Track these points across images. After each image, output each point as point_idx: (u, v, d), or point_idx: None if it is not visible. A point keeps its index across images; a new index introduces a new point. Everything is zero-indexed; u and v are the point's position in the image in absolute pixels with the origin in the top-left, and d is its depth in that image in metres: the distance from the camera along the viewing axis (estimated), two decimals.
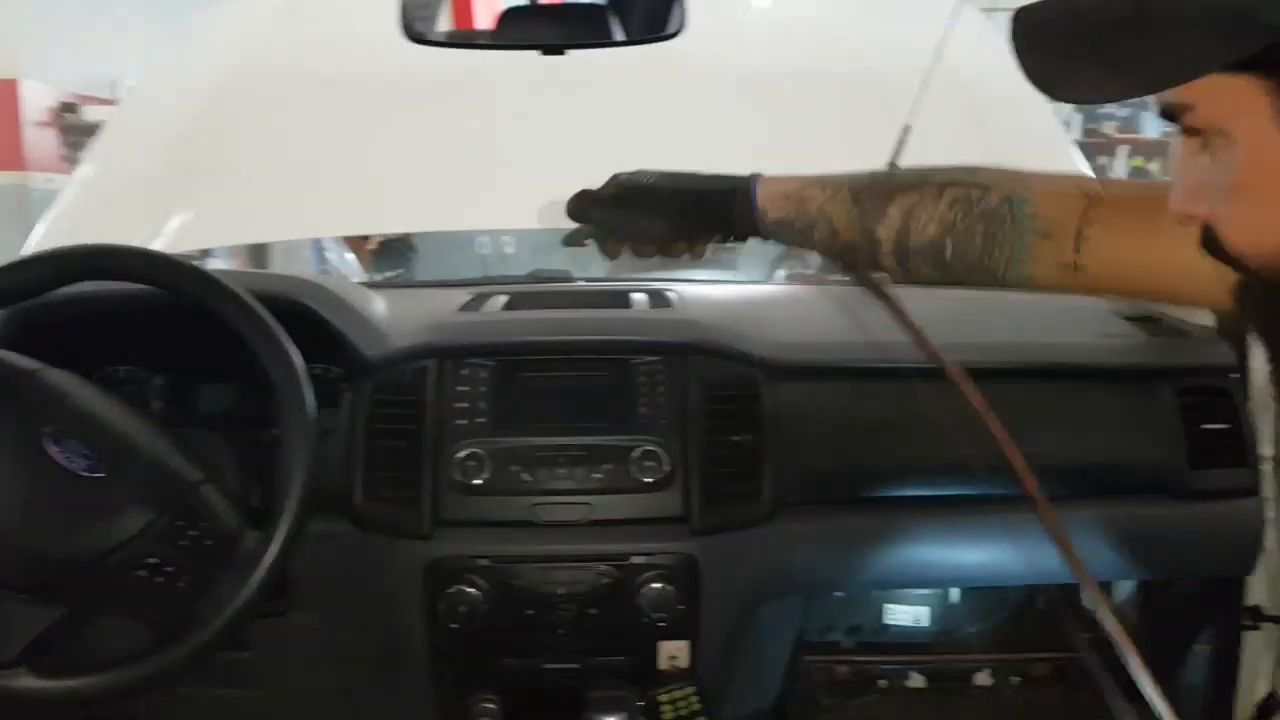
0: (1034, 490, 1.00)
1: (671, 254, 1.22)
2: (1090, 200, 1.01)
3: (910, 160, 1.81)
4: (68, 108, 5.81)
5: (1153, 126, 8.79)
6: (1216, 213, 0.71)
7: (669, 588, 1.35)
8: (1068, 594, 1.90)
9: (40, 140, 5.61)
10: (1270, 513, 1.50)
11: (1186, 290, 1.01)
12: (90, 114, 5.74)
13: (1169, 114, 0.70)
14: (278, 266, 3.04)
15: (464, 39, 2.15)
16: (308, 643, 1.48)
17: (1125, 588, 1.76)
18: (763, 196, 1.12)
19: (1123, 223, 1.00)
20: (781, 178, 1.12)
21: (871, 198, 1.06)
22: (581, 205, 1.25)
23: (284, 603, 1.36)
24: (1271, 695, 1.54)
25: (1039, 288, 1.04)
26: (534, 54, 1.77)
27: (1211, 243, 0.73)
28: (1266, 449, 1.51)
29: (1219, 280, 0.83)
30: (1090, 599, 1.84)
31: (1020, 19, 0.72)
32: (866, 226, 1.05)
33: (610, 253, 1.28)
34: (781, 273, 4.42)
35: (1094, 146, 7.94)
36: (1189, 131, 0.71)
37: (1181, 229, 0.80)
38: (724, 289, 1.92)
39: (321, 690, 1.52)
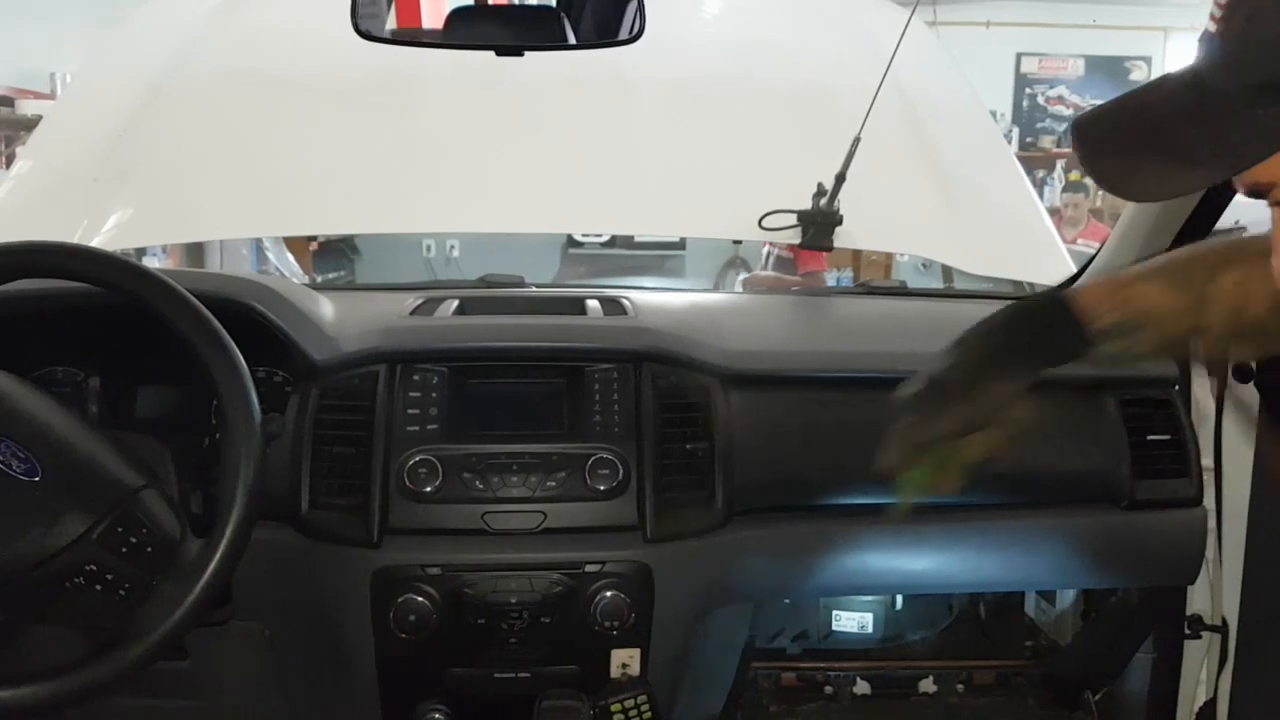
0: None
1: (1012, 426, 1.03)
2: None
3: (860, 171, 1.84)
4: (3, 101, 5.67)
5: None
6: None
7: (622, 596, 1.34)
8: (1010, 601, 1.92)
9: None
10: (1211, 523, 1.53)
11: None
12: (27, 108, 5.61)
13: (1255, 194, 0.70)
14: (215, 266, 2.99)
15: (414, 38, 2.13)
16: (250, 653, 1.45)
17: (1069, 596, 1.78)
18: (1084, 307, 0.98)
19: None
20: (1095, 282, 1.00)
21: (1192, 278, 0.96)
22: (899, 435, 1.04)
23: (226, 612, 1.32)
24: (1212, 703, 1.57)
25: None
26: (480, 56, 1.76)
27: None
28: (1206, 460, 1.54)
29: None
30: (1034, 607, 1.87)
31: (1081, 128, 0.73)
32: (1194, 320, 0.95)
33: (944, 478, 1.06)
34: (737, 281, 4.43)
35: (1031, 160, 8.09)
36: (1277, 205, 0.71)
37: None
38: (679, 297, 1.92)
39: (264, 702, 1.49)
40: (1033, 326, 1.01)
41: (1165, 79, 0.69)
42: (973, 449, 1.03)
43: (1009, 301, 1.98)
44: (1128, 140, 0.70)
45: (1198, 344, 0.95)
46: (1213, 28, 0.64)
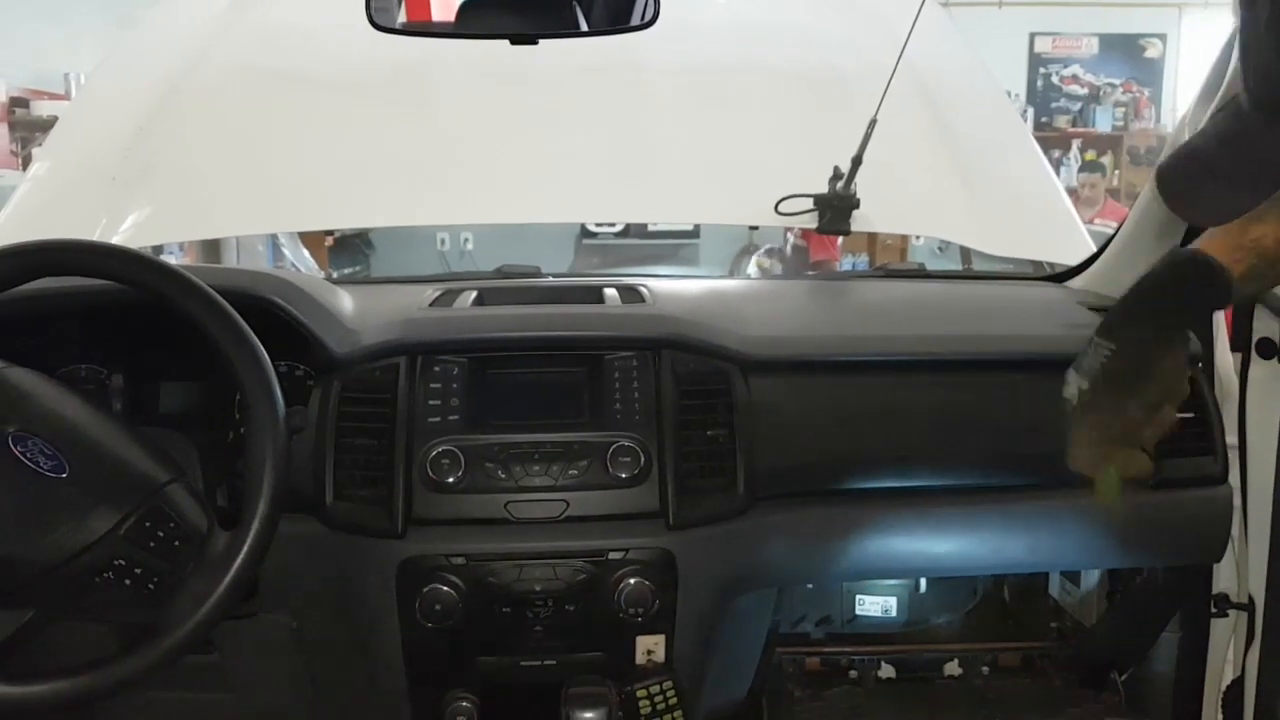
0: None
1: (1167, 386, 1.05)
2: None
3: (876, 154, 1.84)
4: (19, 103, 5.71)
5: (1104, 121, 8.94)
6: None
7: (645, 583, 1.34)
8: (1034, 583, 1.92)
9: None
10: (1236, 500, 1.52)
11: None
12: (42, 109, 5.64)
13: None
14: (231, 263, 3.01)
15: (427, 29, 2.13)
16: (277, 645, 1.46)
17: (1093, 577, 1.78)
18: (1217, 256, 0.98)
19: None
20: (1220, 230, 0.99)
21: None
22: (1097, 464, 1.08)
23: (253, 604, 1.34)
24: (1239, 681, 1.57)
25: None
26: (494, 47, 1.76)
27: None
28: (1231, 437, 1.53)
29: None
30: (1058, 588, 1.86)
31: (1163, 180, 0.86)
32: None
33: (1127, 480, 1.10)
34: (753, 268, 4.43)
35: (1048, 140, 8.05)
36: None
37: None
38: (696, 284, 1.92)
39: (292, 692, 1.50)
40: (1177, 291, 1.02)
41: (1213, 117, 0.80)
42: (1158, 426, 1.06)
43: (1026, 281, 1.99)
44: (1192, 178, 0.79)
45: None
46: (1239, 63, 0.72)
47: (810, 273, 3.64)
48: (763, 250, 5.39)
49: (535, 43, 1.69)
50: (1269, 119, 0.69)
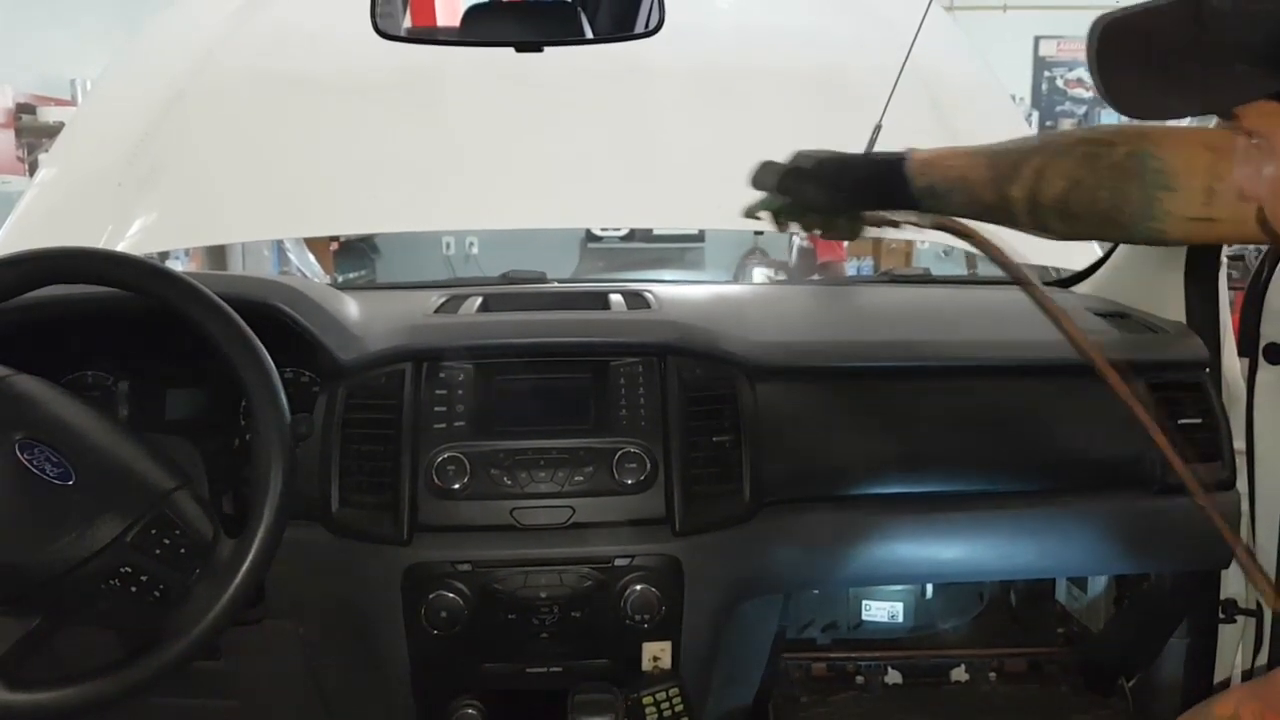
0: None
1: (834, 229, 1.29)
2: (1219, 153, 1.02)
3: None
4: (25, 109, 5.72)
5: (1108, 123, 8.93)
6: (1262, 197, 0.82)
7: (652, 589, 1.34)
8: (1041, 589, 1.91)
9: None
10: (1244, 506, 1.51)
11: None
12: (49, 115, 5.66)
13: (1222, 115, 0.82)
14: (237, 268, 3.01)
15: (432, 36, 2.13)
16: (283, 652, 1.46)
17: (1101, 582, 1.77)
18: (912, 167, 1.15)
19: (1255, 172, 1.04)
20: (929, 150, 1.17)
21: (1006, 160, 1.09)
22: (765, 174, 1.31)
23: (259, 611, 1.34)
24: None
25: (1170, 240, 1.06)
26: (500, 53, 1.76)
27: (1261, 219, 0.85)
28: (1239, 442, 1.53)
29: None
30: (1065, 594, 1.86)
31: (1101, 35, 0.83)
32: (1001, 186, 1.08)
33: (780, 226, 1.34)
34: (760, 273, 4.42)
35: None
36: (1238, 131, 0.82)
37: None
38: (701, 289, 1.92)
39: (298, 699, 1.50)
40: (879, 177, 1.20)
41: (1169, 8, 0.81)
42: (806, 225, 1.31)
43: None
44: (1133, 61, 0.81)
45: (1009, 212, 1.07)
46: None
47: (816, 277, 3.64)
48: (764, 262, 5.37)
49: (540, 50, 1.69)
50: (1236, 52, 0.75)
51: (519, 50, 1.69)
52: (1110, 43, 0.82)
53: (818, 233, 1.32)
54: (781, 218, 1.32)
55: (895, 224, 1.23)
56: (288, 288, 1.46)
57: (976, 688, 1.82)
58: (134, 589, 1.05)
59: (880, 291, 2.05)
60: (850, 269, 5.03)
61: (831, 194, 1.24)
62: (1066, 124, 8.93)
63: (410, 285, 1.97)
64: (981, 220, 1.14)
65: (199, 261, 3.63)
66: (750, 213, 1.36)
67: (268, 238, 3.11)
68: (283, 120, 2.19)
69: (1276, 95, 0.74)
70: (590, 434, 1.38)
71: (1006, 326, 1.65)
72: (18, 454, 1.01)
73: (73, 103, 5.77)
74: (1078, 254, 1.95)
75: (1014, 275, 1.14)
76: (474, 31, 1.80)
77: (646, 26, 1.69)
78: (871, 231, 1.29)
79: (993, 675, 1.83)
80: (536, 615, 1.35)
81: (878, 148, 1.80)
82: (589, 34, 1.78)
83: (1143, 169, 0.99)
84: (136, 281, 1.14)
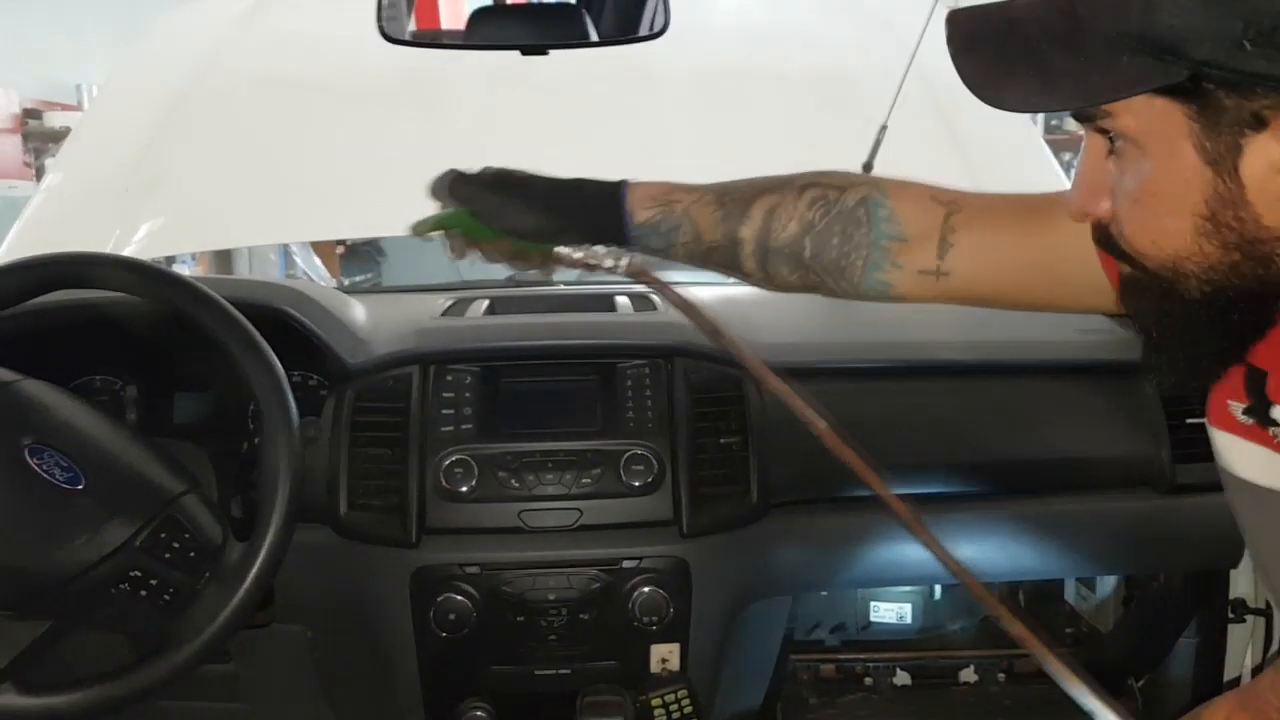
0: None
1: (524, 259, 1.09)
2: (951, 206, 1.00)
3: (885, 159, 1.83)
4: (31, 114, 5.74)
5: None
6: (1119, 212, 0.74)
7: (660, 591, 1.34)
8: (1050, 589, 1.91)
9: (3, 147, 5.53)
10: None
11: (1058, 294, 1.02)
12: (54, 120, 5.67)
13: (1082, 116, 0.74)
14: (243, 272, 3.02)
15: (437, 39, 2.13)
16: (292, 655, 1.46)
17: (1110, 583, 1.77)
18: (632, 199, 1.05)
19: (990, 228, 1.00)
20: (652, 182, 1.07)
21: (735, 199, 1.03)
22: (449, 185, 1.11)
23: (268, 614, 1.34)
24: None
25: (897, 296, 1.03)
26: (505, 56, 1.76)
27: (1106, 239, 0.77)
28: None
29: (1089, 284, 0.91)
30: (1074, 594, 1.86)
31: (957, 22, 0.74)
32: (729, 227, 1.02)
33: (457, 250, 1.13)
34: None
35: (1058, 143, 8.02)
36: (1099, 132, 0.73)
37: (1053, 235, 0.93)
38: (707, 291, 1.92)
39: (307, 702, 1.50)
40: (593, 205, 1.06)
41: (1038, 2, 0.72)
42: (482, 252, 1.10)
43: None
44: (1000, 49, 0.72)
45: (736, 255, 1.03)
46: None
47: None
48: None
49: (546, 53, 1.69)
50: (1111, 39, 0.66)
51: (524, 53, 1.69)
52: (968, 31, 0.73)
53: (500, 262, 1.12)
54: (460, 239, 1.11)
55: (591, 266, 1.05)
56: (295, 291, 1.47)
57: (985, 688, 1.81)
58: (143, 593, 1.05)
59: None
60: None
61: (535, 216, 1.06)
62: (1072, 124, 8.91)
63: (417, 288, 1.97)
64: (704, 264, 1.06)
65: (206, 266, 3.64)
66: (422, 230, 1.15)
67: (274, 242, 3.10)
68: (289, 124, 2.19)
69: (1160, 91, 0.66)
70: (597, 436, 1.38)
71: (1015, 327, 1.65)
72: (27, 458, 1.01)
73: (78, 108, 5.79)
74: None
75: (691, 317, 1.02)
76: (479, 35, 1.80)
77: (651, 29, 1.69)
78: (560, 268, 1.10)
79: (1002, 676, 1.82)
80: (544, 617, 1.35)
81: (881, 149, 1.81)
82: (594, 37, 1.78)
83: (874, 217, 0.98)
84: (144, 286, 1.14)
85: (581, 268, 1.07)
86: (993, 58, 0.72)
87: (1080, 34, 0.67)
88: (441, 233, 1.12)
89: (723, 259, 1.04)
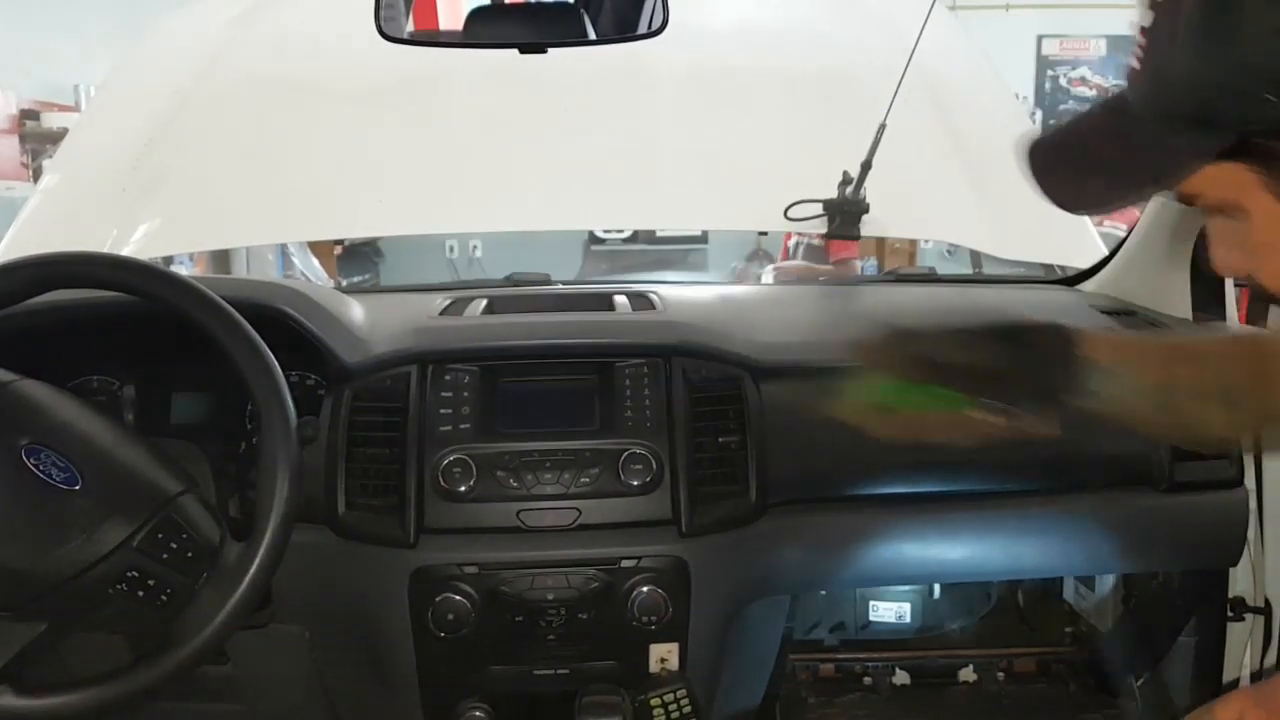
0: None
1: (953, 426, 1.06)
2: None
3: (886, 158, 1.83)
4: (29, 115, 5.73)
5: None
6: (1250, 264, 0.79)
7: (659, 591, 1.34)
8: (1049, 588, 1.91)
9: (0, 148, 5.53)
10: (1251, 504, 1.51)
11: None
12: (52, 121, 5.67)
13: (1185, 202, 0.79)
14: (241, 273, 3.01)
15: (435, 38, 2.13)
16: (291, 655, 1.46)
17: (1109, 582, 1.77)
18: (1087, 342, 1.00)
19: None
20: (1129, 339, 1.06)
21: (1185, 343, 1.05)
22: (885, 343, 1.05)
23: (266, 615, 1.33)
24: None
25: None
26: (503, 55, 1.76)
27: (1254, 287, 0.82)
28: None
29: None
30: (1073, 593, 1.85)
31: (1033, 155, 0.82)
32: (1171, 364, 1.01)
33: (884, 426, 1.09)
34: (767, 274, 4.40)
35: None
36: (1208, 210, 0.79)
37: None
38: (706, 290, 1.92)
39: (305, 703, 1.50)
40: (1036, 355, 1.01)
41: (1095, 107, 0.79)
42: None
43: (1038, 285, 1.98)
44: (1066, 161, 0.80)
45: (1171, 394, 0.99)
46: (1134, 64, 0.72)
47: (823, 278, 3.64)
48: (771, 269, 5.35)
49: (544, 51, 1.69)
50: (1156, 123, 0.71)
51: (522, 52, 1.69)
52: (1041, 157, 0.80)
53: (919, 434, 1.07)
54: (907, 404, 1.05)
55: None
56: (293, 291, 1.46)
57: (985, 688, 1.81)
58: (141, 593, 1.05)
59: (886, 291, 2.05)
60: (857, 268, 5.02)
61: (994, 359, 1.00)
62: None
63: (415, 288, 1.97)
64: (1137, 406, 1.00)
65: (204, 266, 3.63)
66: (857, 407, 1.08)
67: (272, 242, 3.10)
68: (287, 124, 2.19)
69: (1220, 157, 0.71)
70: (596, 435, 1.38)
71: None
72: (24, 459, 1.01)
73: (76, 108, 5.79)
74: (1082, 251, 1.95)
75: None
76: (477, 33, 1.80)
77: (650, 27, 1.69)
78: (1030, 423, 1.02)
79: (1001, 675, 1.82)
80: (543, 617, 1.34)
81: (881, 149, 1.81)
82: (592, 35, 1.78)
83: None
84: (141, 286, 1.14)
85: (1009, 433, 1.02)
86: (1069, 175, 0.80)
87: (1134, 128, 0.73)
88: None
89: (1155, 398, 1.00)
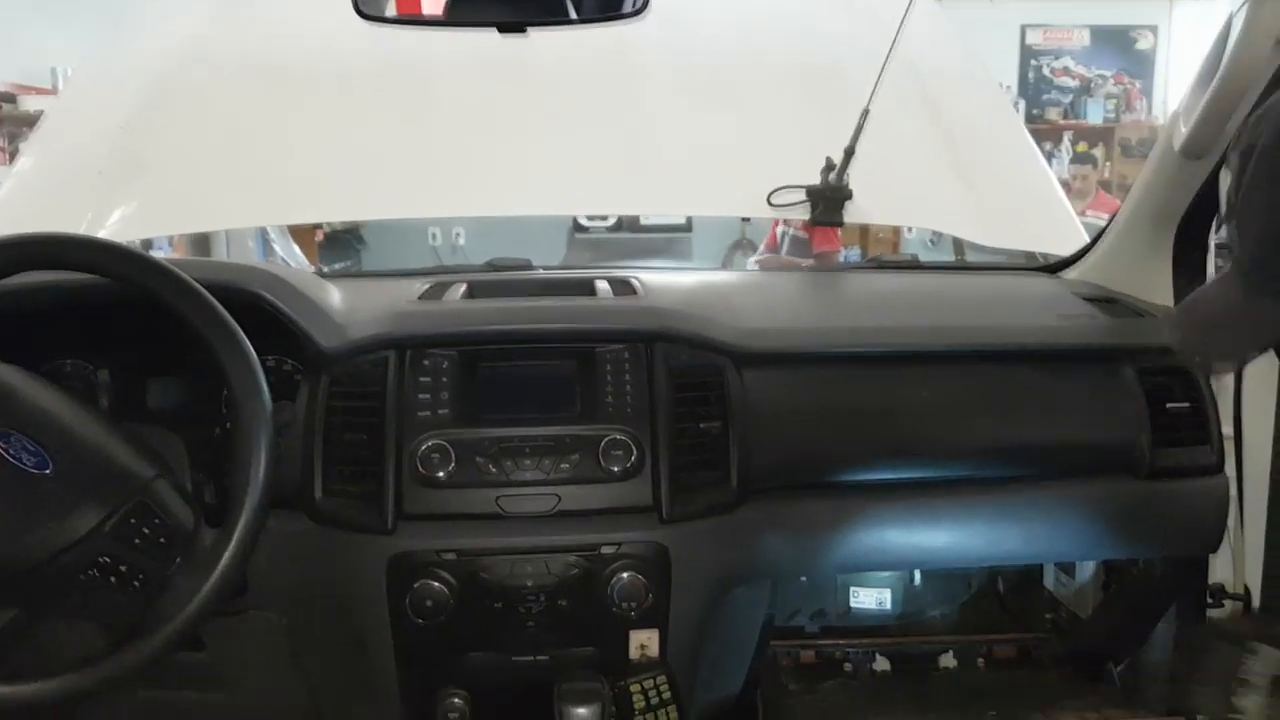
0: None
1: None
2: None
3: (873, 148, 1.82)
4: (5, 98, 5.67)
5: (1096, 113, 8.95)
6: None
7: (639, 577, 1.33)
8: (1029, 575, 1.91)
9: None
10: (1232, 491, 1.51)
11: None
12: (29, 104, 5.61)
13: None
14: (221, 257, 2.99)
15: (415, 18, 2.11)
16: (267, 642, 1.44)
17: (1089, 568, 1.77)
18: None
19: None
20: None
21: None
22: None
23: (242, 601, 1.32)
24: None
25: None
26: (484, 38, 1.74)
27: None
28: (1227, 427, 1.53)
29: None
30: (1054, 580, 1.86)
31: (1185, 348, 1.20)
32: None
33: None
34: (751, 260, 4.39)
35: (1040, 132, 8.04)
36: None
37: None
38: (688, 276, 1.91)
39: (283, 690, 1.48)
40: None
41: (1219, 279, 1.07)
42: None
43: (1020, 272, 1.98)
44: (1209, 328, 1.10)
45: None
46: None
47: (805, 265, 3.64)
48: (753, 261, 5.34)
49: (524, 31, 1.67)
50: (1258, 289, 0.95)
51: (502, 31, 1.68)
52: (1187, 328, 1.14)
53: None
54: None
55: None
56: (269, 274, 1.45)
57: (965, 674, 1.82)
58: (113, 579, 1.04)
59: (868, 278, 2.04)
60: (840, 257, 5.02)
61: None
62: (1053, 113, 8.95)
63: (395, 273, 1.95)
64: None
65: (183, 251, 3.60)
66: None
67: (251, 225, 3.08)
68: (266, 107, 2.16)
69: None
70: (576, 421, 1.37)
71: (993, 312, 1.65)
72: None
73: (54, 92, 5.72)
74: (1064, 239, 1.95)
75: None
76: (457, 13, 1.78)
77: (633, 7, 1.67)
78: None
79: (981, 662, 1.82)
80: (523, 604, 1.33)
81: (864, 136, 1.81)
82: (574, 16, 1.77)
83: None
84: (113, 267, 1.12)
85: None
86: (1211, 349, 1.14)
87: (1248, 299, 0.98)
88: None
89: None
